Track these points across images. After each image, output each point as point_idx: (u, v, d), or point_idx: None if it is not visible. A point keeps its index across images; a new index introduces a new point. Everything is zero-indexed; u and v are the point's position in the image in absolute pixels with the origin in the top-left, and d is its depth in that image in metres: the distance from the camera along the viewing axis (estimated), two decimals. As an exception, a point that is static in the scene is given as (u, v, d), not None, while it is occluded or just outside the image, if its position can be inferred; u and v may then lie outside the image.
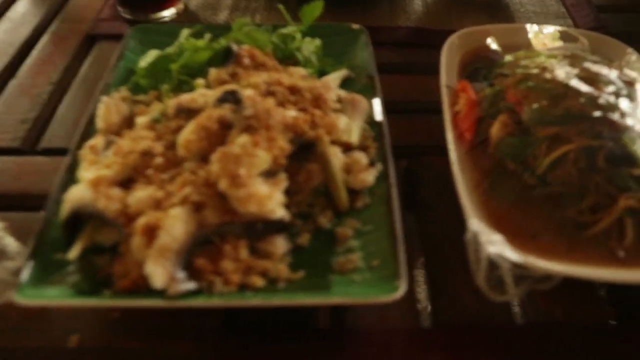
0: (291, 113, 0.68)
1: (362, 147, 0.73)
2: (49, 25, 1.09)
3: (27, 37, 1.06)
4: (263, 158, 0.62)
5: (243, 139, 0.62)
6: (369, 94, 0.80)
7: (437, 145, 0.79)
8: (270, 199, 0.61)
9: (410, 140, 0.82)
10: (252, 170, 0.61)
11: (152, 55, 0.86)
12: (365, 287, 0.58)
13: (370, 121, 0.77)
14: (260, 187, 0.61)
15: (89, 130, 0.77)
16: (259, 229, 0.62)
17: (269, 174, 0.64)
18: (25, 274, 0.59)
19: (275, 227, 0.63)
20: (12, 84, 0.95)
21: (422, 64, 0.95)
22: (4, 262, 0.66)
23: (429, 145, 0.81)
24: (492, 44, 0.88)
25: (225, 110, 0.66)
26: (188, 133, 0.65)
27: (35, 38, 1.06)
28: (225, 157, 0.61)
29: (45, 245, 0.64)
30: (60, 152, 0.82)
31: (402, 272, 0.58)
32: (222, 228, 0.61)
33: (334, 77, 0.83)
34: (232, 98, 0.67)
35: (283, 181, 0.64)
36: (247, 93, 0.68)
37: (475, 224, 0.60)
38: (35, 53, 1.02)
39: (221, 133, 0.66)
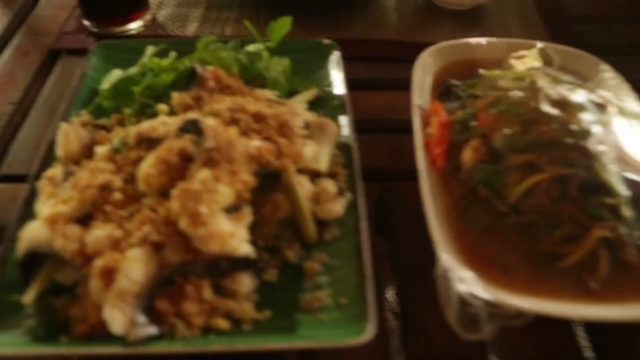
0: (255, 143, 0.65)
1: (332, 174, 0.71)
2: (11, 39, 1.05)
3: (-14, 52, 1.02)
4: (225, 194, 0.60)
5: (204, 174, 0.60)
6: (340, 114, 0.78)
7: (411, 169, 0.76)
8: (233, 237, 0.59)
9: (383, 163, 0.80)
10: (214, 207, 0.59)
11: (115, 75, 0.83)
12: (333, 329, 0.56)
13: (340, 145, 0.75)
14: (223, 224, 0.59)
15: (49, 158, 0.75)
16: (223, 267, 0.60)
17: (232, 209, 0.62)
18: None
19: (240, 264, 0.60)
20: (-29, 105, 0.92)
21: (396, 79, 0.93)
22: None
23: (402, 169, 0.78)
24: (467, 58, 0.86)
25: (186, 142, 0.63)
26: (148, 167, 0.63)
27: (-4, 53, 1.02)
28: (185, 194, 0.59)
29: (1, 286, 0.61)
30: (21, 179, 0.79)
31: (370, 313, 0.56)
32: (184, 267, 0.59)
33: (303, 98, 0.81)
34: (193, 128, 0.65)
35: (247, 216, 0.62)
36: (209, 122, 0.65)
37: (446, 259, 0.58)
38: (-5, 69, 0.98)
39: (182, 166, 0.63)
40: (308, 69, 0.86)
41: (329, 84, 0.84)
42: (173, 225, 0.59)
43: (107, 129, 0.77)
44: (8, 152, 0.84)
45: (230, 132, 0.65)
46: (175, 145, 0.63)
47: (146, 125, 0.69)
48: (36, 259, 0.62)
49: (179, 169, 0.63)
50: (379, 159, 0.80)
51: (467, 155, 0.68)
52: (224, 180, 0.60)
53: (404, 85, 0.83)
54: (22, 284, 0.61)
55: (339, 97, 0.81)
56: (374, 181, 0.77)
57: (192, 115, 0.67)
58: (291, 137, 0.68)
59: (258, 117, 0.68)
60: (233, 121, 0.68)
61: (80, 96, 0.83)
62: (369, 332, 0.54)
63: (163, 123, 0.68)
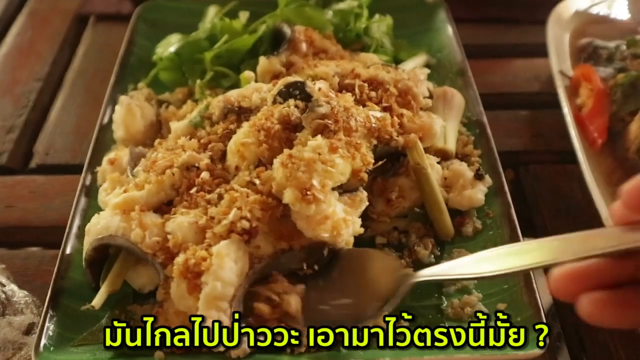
0: (375, 113, 0.66)
1: (460, 156, 0.72)
2: (24, 3, 1.08)
3: (-3, 17, 1.05)
4: (341, 167, 0.59)
5: (317, 141, 0.60)
6: (459, 86, 0.79)
7: (549, 150, 0.79)
8: (347, 226, 0.58)
9: (515, 144, 0.81)
10: (327, 182, 0.58)
11: (173, 41, 0.85)
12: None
13: (465, 121, 0.76)
14: (337, 207, 0.59)
15: (102, 141, 0.76)
16: (323, 257, 0.59)
17: (346, 190, 0.61)
18: (46, 334, 0.57)
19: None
20: (-14, 81, 0.94)
21: (519, 44, 0.95)
22: (10, 317, 0.64)
23: (538, 150, 0.80)
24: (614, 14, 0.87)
25: (291, 108, 0.64)
26: (243, 136, 0.64)
27: (8, 19, 1.04)
28: (292, 162, 0.58)
29: (66, 293, 0.62)
30: (61, 169, 0.81)
31: (542, 318, 0.56)
32: (280, 259, 0.59)
33: (411, 66, 0.82)
34: (298, 93, 0.65)
35: (362, 202, 0.61)
36: (318, 86, 0.66)
37: None
38: (10, 40, 1.01)
39: (285, 136, 0.63)
40: (410, 32, 0.88)
41: (438, 50, 0.86)
42: (266, 206, 0.58)
43: (174, 105, 0.78)
44: (40, 138, 0.86)
45: (345, 97, 0.66)
46: (275, 111, 0.64)
47: (234, 94, 0.70)
48: (106, 258, 0.64)
49: (281, 139, 0.63)
50: (509, 140, 0.81)
51: (637, 127, 0.69)
52: (340, 152, 0.60)
53: (531, 51, 0.86)
54: (93, 289, 0.62)
55: (455, 64, 0.82)
56: (505, 167, 0.77)
57: (293, 78, 0.69)
58: (415, 109, 0.70)
59: (374, 83, 0.69)
60: (344, 87, 0.69)
61: (129, 68, 0.85)
62: (546, 343, 0.55)
63: (256, 89, 0.70)
